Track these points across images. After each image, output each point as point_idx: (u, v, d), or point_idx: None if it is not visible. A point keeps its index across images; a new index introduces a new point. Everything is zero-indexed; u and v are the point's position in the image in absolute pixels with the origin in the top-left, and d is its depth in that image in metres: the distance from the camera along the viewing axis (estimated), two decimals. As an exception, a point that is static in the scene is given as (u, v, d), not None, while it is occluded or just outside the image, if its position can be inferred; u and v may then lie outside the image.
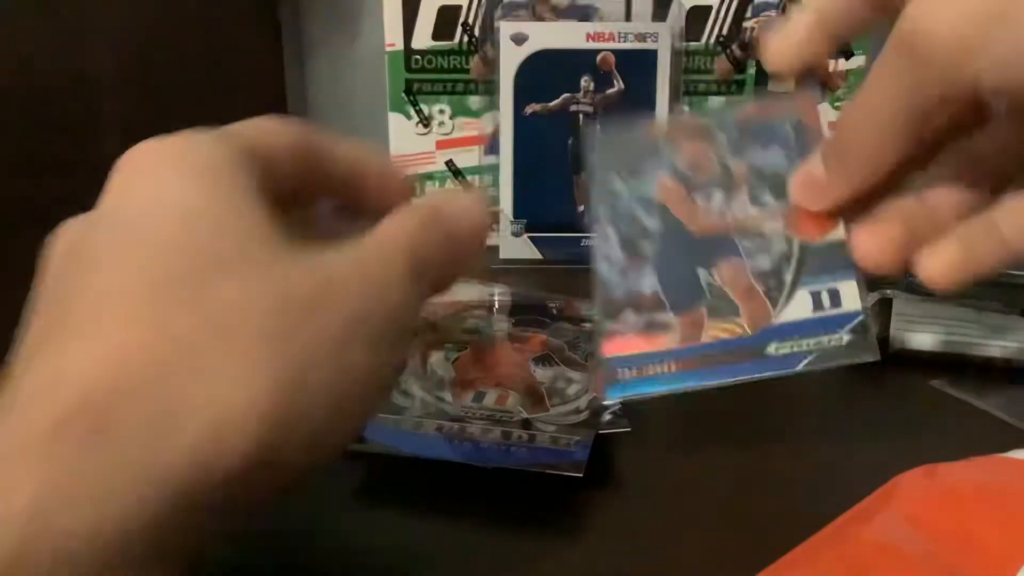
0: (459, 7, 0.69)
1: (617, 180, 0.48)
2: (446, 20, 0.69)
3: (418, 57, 0.70)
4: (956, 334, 0.55)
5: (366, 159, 0.35)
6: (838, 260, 0.41)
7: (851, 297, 0.41)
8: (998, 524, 0.31)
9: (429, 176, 0.73)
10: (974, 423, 0.50)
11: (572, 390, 0.48)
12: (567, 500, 0.45)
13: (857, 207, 0.35)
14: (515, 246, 0.71)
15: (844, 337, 0.40)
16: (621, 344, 0.43)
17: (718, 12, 0.69)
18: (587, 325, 0.53)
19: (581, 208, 0.71)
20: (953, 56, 0.28)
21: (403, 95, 0.71)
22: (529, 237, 0.71)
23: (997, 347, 0.54)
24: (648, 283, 0.44)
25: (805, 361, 0.40)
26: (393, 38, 0.70)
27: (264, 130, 0.33)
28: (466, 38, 0.70)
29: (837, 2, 0.34)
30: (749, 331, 0.42)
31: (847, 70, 0.71)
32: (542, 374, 0.49)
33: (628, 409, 0.48)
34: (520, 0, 0.68)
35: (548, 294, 0.61)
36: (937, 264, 0.33)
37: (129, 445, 0.25)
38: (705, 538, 0.42)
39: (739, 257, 0.44)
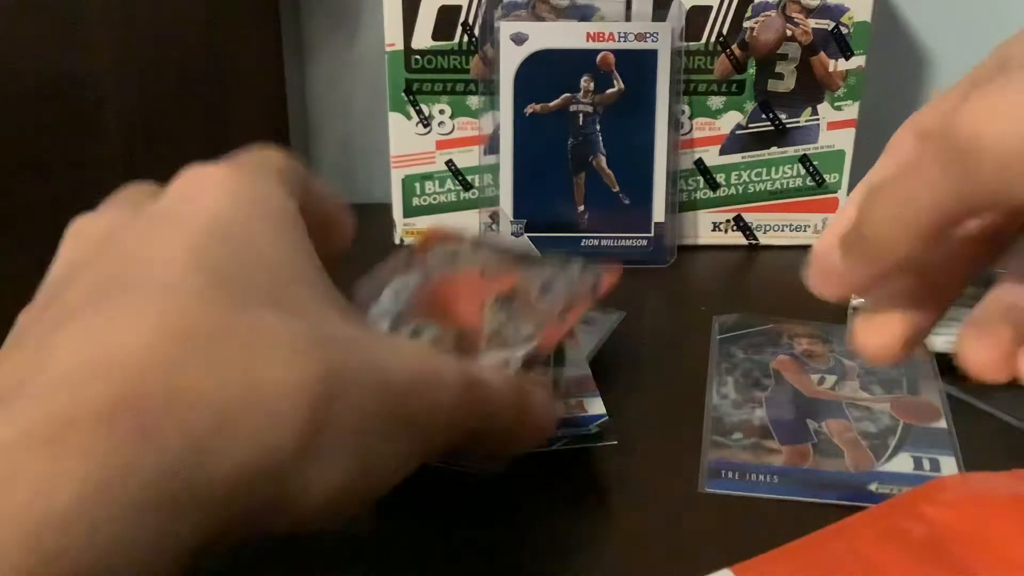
0: (459, 7, 0.69)
1: (739, 351, 0.55)
2: (446, 20, 0.69)
3: (418, 57, 0.70)
4: (957, 335, 0.55)
5: (333, 204, 0.37)
6: (940, 440, 0.47)
7: (949, 467, 0.45)
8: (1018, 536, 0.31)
9: (429, 176, 0.73)
10: (977, 425, 0.50)
11: (515, 338, 0.43)
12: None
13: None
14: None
15: None
16: (727, 453, 0.46)
17: (718, 12, 0.69)
18: (575, 266, 0.47)
19: (581, 208, 0.71)
20: (1011, 174, 0.24)
21: (403, 95, 0.71)
22: (529, 237, 0.71)
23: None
24: (758, 416, 0.48)
25: None
26: (393, 38, 0.70)
27: (295, 175, 0.33)
28: (466, 38, 0.70)
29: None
30: (852, 469, 0.45)
31: (847, 70, 0.71)
32: (492, 317, 0.44)
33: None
34: (520, 0, 0.68)
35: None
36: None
37: (177, 453, 0.23)
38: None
39: (847, 420, 0.49)
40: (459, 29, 0.70)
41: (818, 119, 0.72)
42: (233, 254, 0.27)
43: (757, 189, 0.74)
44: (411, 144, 0.72)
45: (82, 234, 0.30)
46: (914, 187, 0.26)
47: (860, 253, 0.29)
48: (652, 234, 0.71)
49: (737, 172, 0.73)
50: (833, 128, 0.72)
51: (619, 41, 0.68)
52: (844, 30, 0.70)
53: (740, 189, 0.74)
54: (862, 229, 0.28)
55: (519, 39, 0.68)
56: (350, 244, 0.37)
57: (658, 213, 0.71)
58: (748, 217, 0.75)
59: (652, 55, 0.68)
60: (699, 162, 0.73)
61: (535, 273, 0.47)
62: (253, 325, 0.25)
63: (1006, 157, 0.24)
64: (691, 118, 0.72)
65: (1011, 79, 0.25)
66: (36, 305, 0.28)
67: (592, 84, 0.69)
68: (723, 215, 0.75)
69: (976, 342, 0.29)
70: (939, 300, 0.32)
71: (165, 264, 0.26)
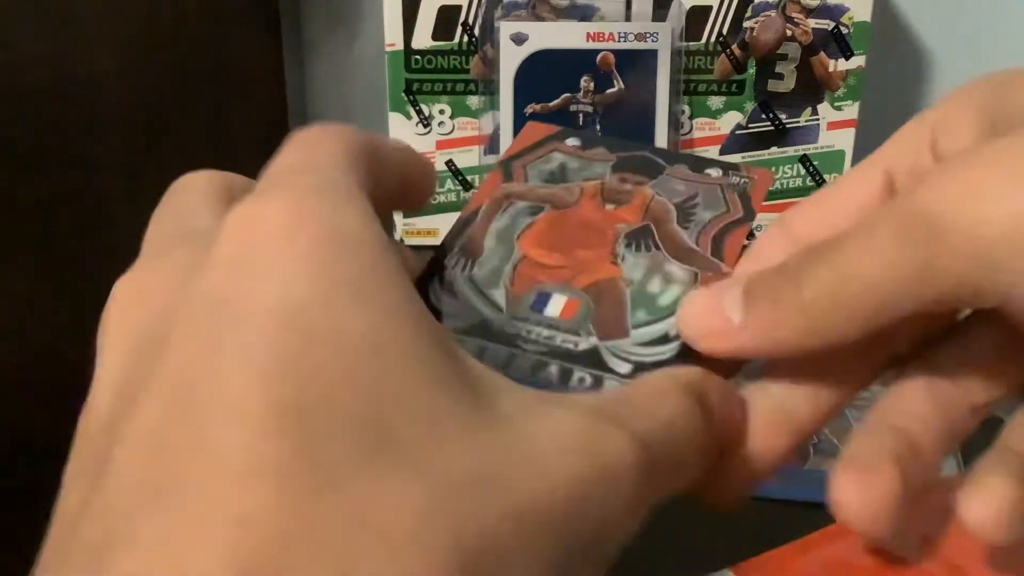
0: (459, 7, 0.69)
1: None
2: (446, 20, 0.69)
3: (418, 57, 0.70)
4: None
5: (415, 163, 0.29)
6: None
7: (949, 467, 0.46)
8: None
9: (429, 176, 0.73)
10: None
11: (667, 298, 0.32)
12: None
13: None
14: (515, 246, 0.71)
15: None
16: None
17: (718, 12, 0.69)
18: (713, 171, 0.36)
19: (581, 208, 0.71)
20: (983, 267, 0.21)
21: (403, 95, 0.71)
22: (529, 237, 0.71)
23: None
24: None
25: None
26: (393, 38, 0.70)
27: (360, 151, 0.24)
28: (466, 38, 0.70)
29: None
30: None
31: (847, 70, 0.71)
32: (630, 266, 0.34)
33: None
34: (520, 0, 0.68)
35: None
36: (994, 511, 0.23)
37: None
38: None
39: (847, 419, 0.49)
40: (459, 29, 0.70)
41: (818, 119, 0.72)
42: (316, 374, 0.19)
43: (757, 189, 0.74)
44: (411, 144, 0.72)
45: (128, 316, 0.23)
46: (863, 263, 0.22)
47: (773, 315, 0.23)
48: (652, 234, 0.71)
49: (737, 172, 0.74)
50: (833, 128, 0.72)
51: (619, 41, 0.68)
52: (844, 30, 0.70)
53: (740, 189, 0.74)
54: (788, 290, 0.23)
55: (519, 39, 0.68)
56: (432, 192, 0.30)
57: (658, 213, 0.71)
58: (748, 217, 0.75)
59: (652, 55, 0.68)
60: (699, 162, 0.73)
61: (667, 188, 0.36)
62: (351, 512, 0.18)
63: (980, 245, 0.21)
64: (691, 118, 0.72)
65: (992, 149, 0.22)
66: (81, 456, 0.22)
67: (592, 84, 0.69)
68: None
69: (852, 487, 0.23)
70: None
71: (229, 423, 0.19)
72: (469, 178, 0.73)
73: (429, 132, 0.72)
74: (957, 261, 0.21)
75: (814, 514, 0.42)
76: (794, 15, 0.70)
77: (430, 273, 0.31)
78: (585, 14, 0.69)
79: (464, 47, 0.70)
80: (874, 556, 0.32)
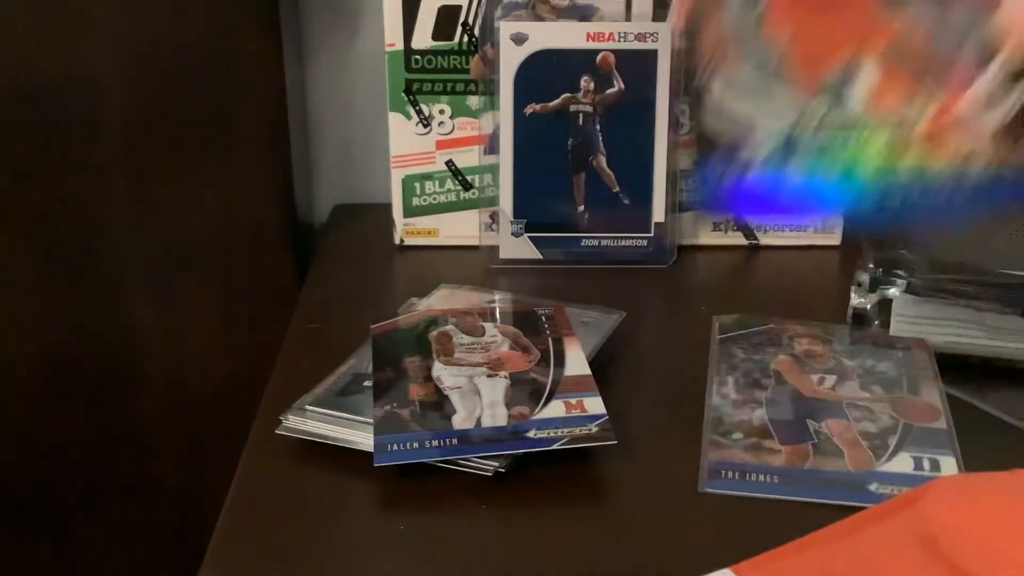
0: (459, 7, 0.69)
1: (739, 351, 0.54)
2: (446, 20, 0.69)
3: (418, 57, 0.70)
4: (956, 335, 0.55)
5: None
6: (939, 439, 0.46)
7: (949, 467, 0.45)
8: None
9: (429, 176, 0.73)
10: (975, 424, 0.50)
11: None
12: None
13: None
14: (515, 246, 0.71)
15: None
16: (727, 453, 0.46)
17: (718, 12, 0.69)
18: None
19: (581, 208, 0.71)
20: None
21: (403, 95, 0.71)
22: (529, 237, 0.71)
23: (997, 348, 0.54)
24: (758, 416, 0.48)
25: None
26: (393, 38, 0.70)
27: None
28: (466, 38, 0.70)
29: None
30: (852, 469, 0.45)
31: (847, 70, 0.71)
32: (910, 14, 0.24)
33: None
34: (520, 0, 0.68)
35: None
36: None
37: None
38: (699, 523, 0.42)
39: (847, 420, 0.49)
40: (459, 29, 0.70)
41: (818, 119, 0.72)
42: None
43: (757, 189, 0.74)
44: (411, 144, 0.72)
45: None
46: None
47: None
48: (652, 234, 0.71)
49: (737, 172, 0.73)
50: (833, 128, 0.72)
51: (619, 41, 0.68)
52: (844, 30, 0.70)
53: (740, 189, 0.74)
54: None
55: (519, 39, 0.68)
56: None
57: (658, 213, 0.71)
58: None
59: (652, 55, 0.68)
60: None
61: None
62: None
63: None
64: (691, 118, 0.72)
65: None
66: None
67: (592, 84, 0.69)
68: (723, 215, 0.75)
69: None
70: None
71: None
72: (469, 178, 0.73)
73: (429, 132, 0.72)
74: None
75: (814, 514, 0.42)
76: (794, 15, 0.69)
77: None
78: (585, 14, 0.69)
79: (464, 47, 0.70)
80: (873, 555, 0.32)
